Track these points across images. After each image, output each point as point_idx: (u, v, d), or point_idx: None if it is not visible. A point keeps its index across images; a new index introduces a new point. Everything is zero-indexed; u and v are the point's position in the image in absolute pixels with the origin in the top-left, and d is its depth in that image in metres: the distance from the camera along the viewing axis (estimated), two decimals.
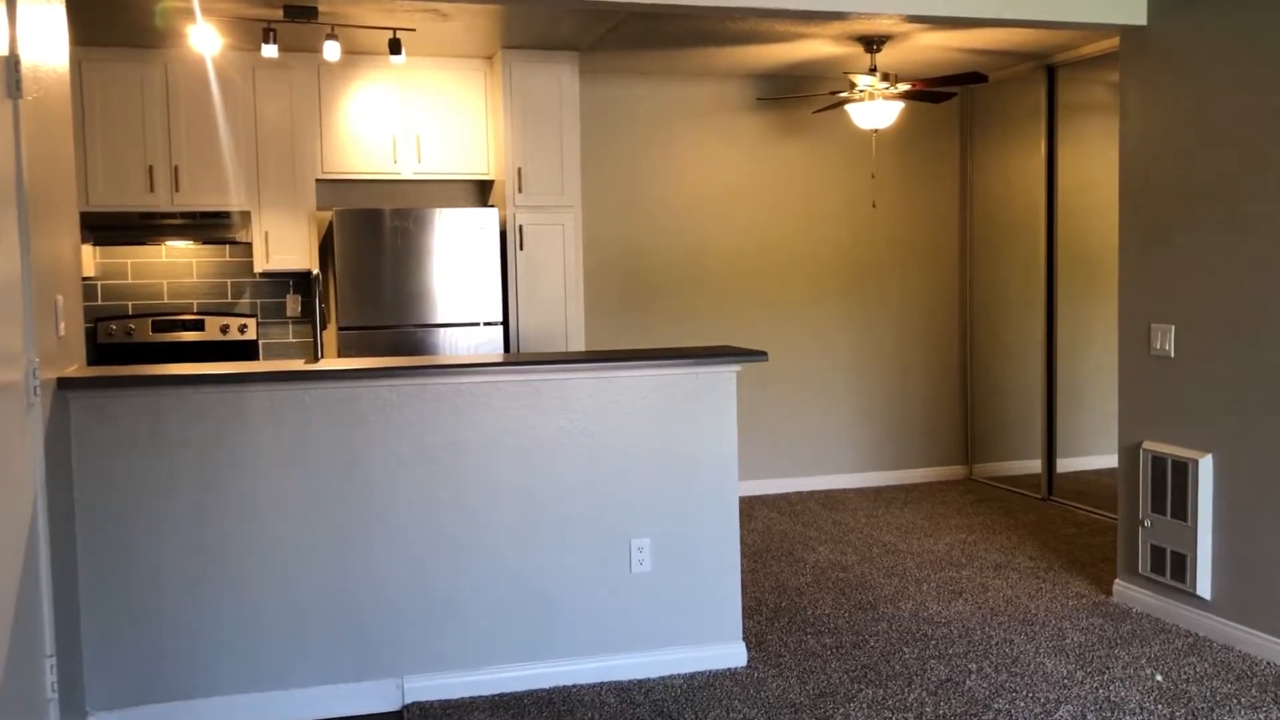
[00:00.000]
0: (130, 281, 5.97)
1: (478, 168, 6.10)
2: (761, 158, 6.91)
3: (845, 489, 7.10)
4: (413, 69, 5.94)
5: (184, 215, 5.72)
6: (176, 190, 5.69)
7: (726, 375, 3.95)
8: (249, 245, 5.99)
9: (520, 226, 5.91)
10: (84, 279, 5.86)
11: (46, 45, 3.32)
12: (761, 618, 4.54)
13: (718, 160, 6.84)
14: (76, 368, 3.55)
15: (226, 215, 5.78)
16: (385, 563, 3.68)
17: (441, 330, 5.70)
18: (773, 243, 6.97)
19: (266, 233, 5.83)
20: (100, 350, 5.85)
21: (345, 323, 5.59)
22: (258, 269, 5.85)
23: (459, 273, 5.72)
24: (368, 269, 5.59)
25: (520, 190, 5.90)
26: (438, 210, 5.68)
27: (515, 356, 3.87)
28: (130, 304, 5.97)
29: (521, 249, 5.92)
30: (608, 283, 6.67)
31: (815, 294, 7.07)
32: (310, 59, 5.79)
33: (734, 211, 6.89)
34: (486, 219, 5.76)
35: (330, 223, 5.69)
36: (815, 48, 5.94)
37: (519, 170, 5.89)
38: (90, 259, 5.84)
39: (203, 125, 5.70)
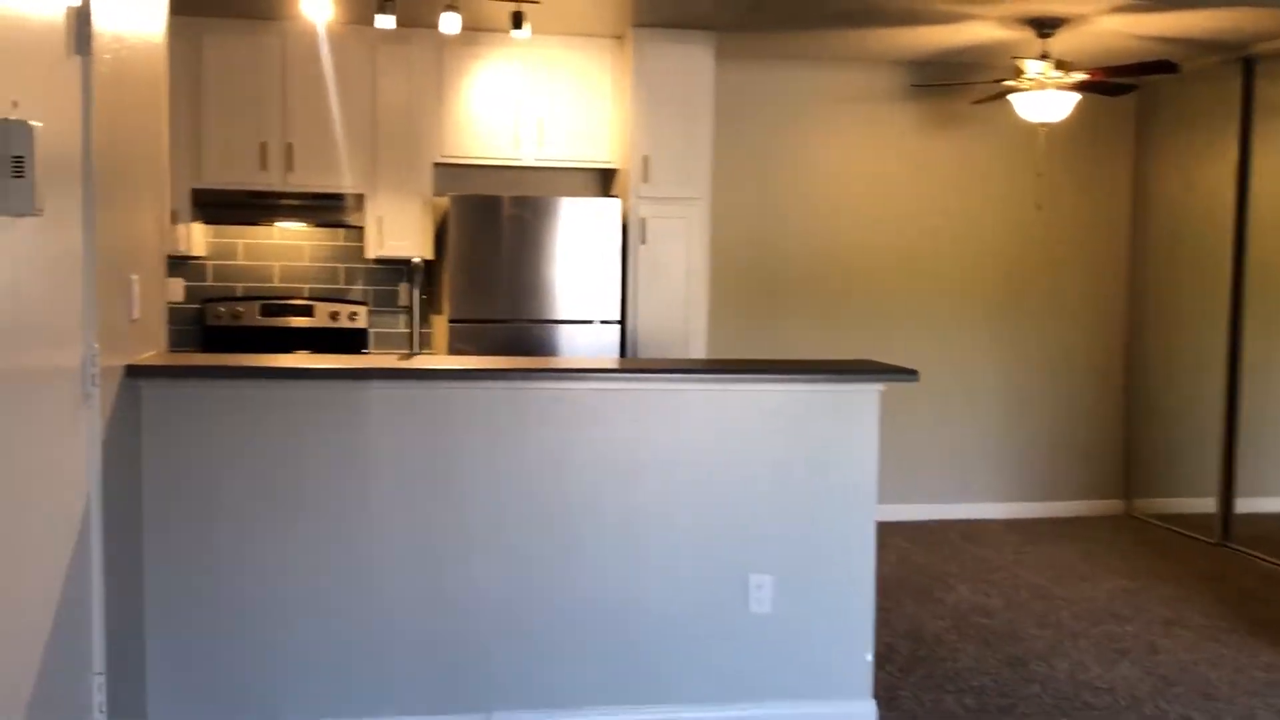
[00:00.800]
0: (241, 262, 5.77)
1: (601, 155, 5.71)
2: (910, 152, 6.34)
3: (988, 519, 6.48)
4: (537, 48, 5.58)
5: (296, 196, 5.48)
6: (290, 170, 5.45)
7: (868, 395, 3.45)
8: (362, 230, 5.72)
9: (643, 219, 5.49)
10: (193, 259, 5.68)
11: (135, 4, 3.03)
12: (894, 668, 4.02)
13: (861, 153, 6.30)
14: (154, 354, 3.27)
15: (340, 197, 5.52)
16: (475, 586, 3.31)
17: (556, 327, 5.32)
18: (918, 245, 6.39)
19: (380, 217, 5.55)
20: (207, 333, 5.66)
21: (456, 315, 5.26)
22: (370, 255, 5.58)
23: (577, 267, 5.34)
24: (482, 259, 5.26)
25: (645, 180, 5.48)
26: (558, 199, 5.31)
27: (626, 362, 3.45)
28: (240, 286, 5.77)
29: (643, 243, 5.50)
30: (733, 283, 6.21)
31: (963, 302, 6.47)
32: (431, 36, 5.48)
33: (877, 210, 6.34)
34: (608, 210, 5.35)
35: (446, 209, 5.37)
36: (978, 31, 5.35)
37: (645, 159, 5.47)
38: (201, 238, 5.66)
39: (318, 102, 5.45)
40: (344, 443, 3.21)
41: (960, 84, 5.95)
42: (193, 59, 5.31)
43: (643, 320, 5.52)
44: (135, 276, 3.04)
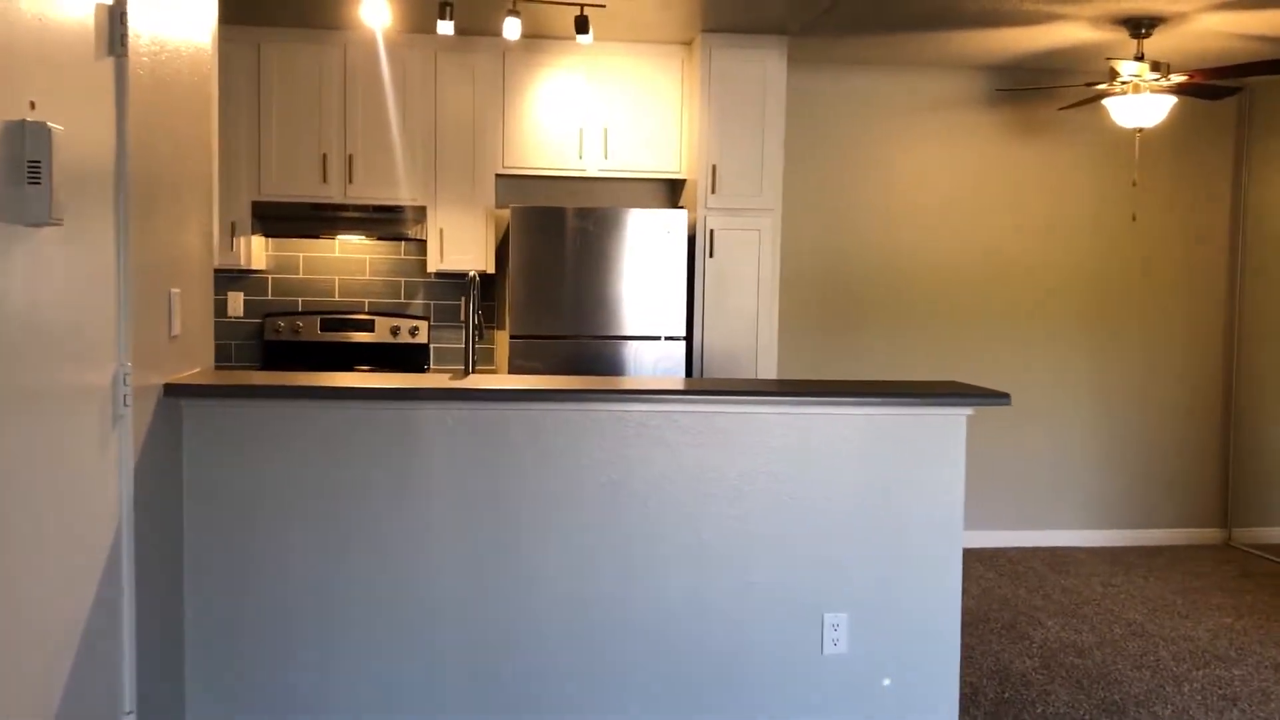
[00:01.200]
0: (302, 276, 5.66)
1: (668, 165, 5.51)
2: (993, 160, 6.04)
3: (1076, 547, 6.12)
4: (602, 55, 5.40)
5: (356, 208, 5.36)
6: (350, 181, 5.33)
7: (954, 420, 3.18)
8: (423, 243, 5.59)
9: (711, 231, 5.27)
10: (253, 272, 5.59)
11: (180, 6, 2.90)
12: (979, 712, 3.73)
13: (941, 162, 6.02)
14: (198, 371, 3.13)
15: (400, 210, 5.39)
16: (530, 617, 3.11)
17: (620, 343, 5.12)
18: (1003, 259, 6.08)
19: (441, 230, 5.40)
20: (267, 348, 5.56)
21: (517, 331, 5.09)
22: (431, 268, 5.43)
23: (642, 281, 5.13)
24: (544, 273, 5.08)
25: (713, 191, 5.26)
26: (622, 210, 5.11)
27: (692, 383, 3.23)
28: (300, 299, 5.67)
29: (711, 256, 5.28)
30: (806, 299, 5.96)
31: (1050, 319, 6.14)
32: (493, 44, 5.33)
33: (958, 221, 6.04)
34: (674, 221, 5.14)
35: (508, 222, 5.20)
36: (1068, 32, 5.05)
37: (713, 168, 5.25)
38: (261, 251, 5.56)
39: (379, 113, 5.33)
40: (394, 466, 3.04)
41: (1049, 88, 5.64)
42: (252, 68, 5.23)
43: (710, 337, 5.30)
44: (176, 290, 2.90)
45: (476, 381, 3.12)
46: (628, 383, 3.19)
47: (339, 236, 5.47)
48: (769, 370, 5.32)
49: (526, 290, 5.07)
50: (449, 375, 3.25)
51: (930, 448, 3.18)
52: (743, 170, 5.27)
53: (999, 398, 3.13)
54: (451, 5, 4.39)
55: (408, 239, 5.62)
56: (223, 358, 5.59)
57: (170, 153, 2.85)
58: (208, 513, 3.00)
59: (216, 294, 5.57)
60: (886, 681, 3.20)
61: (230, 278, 5.59)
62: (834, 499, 3.16)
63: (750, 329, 5.32)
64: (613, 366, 5.11)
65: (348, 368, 5.54)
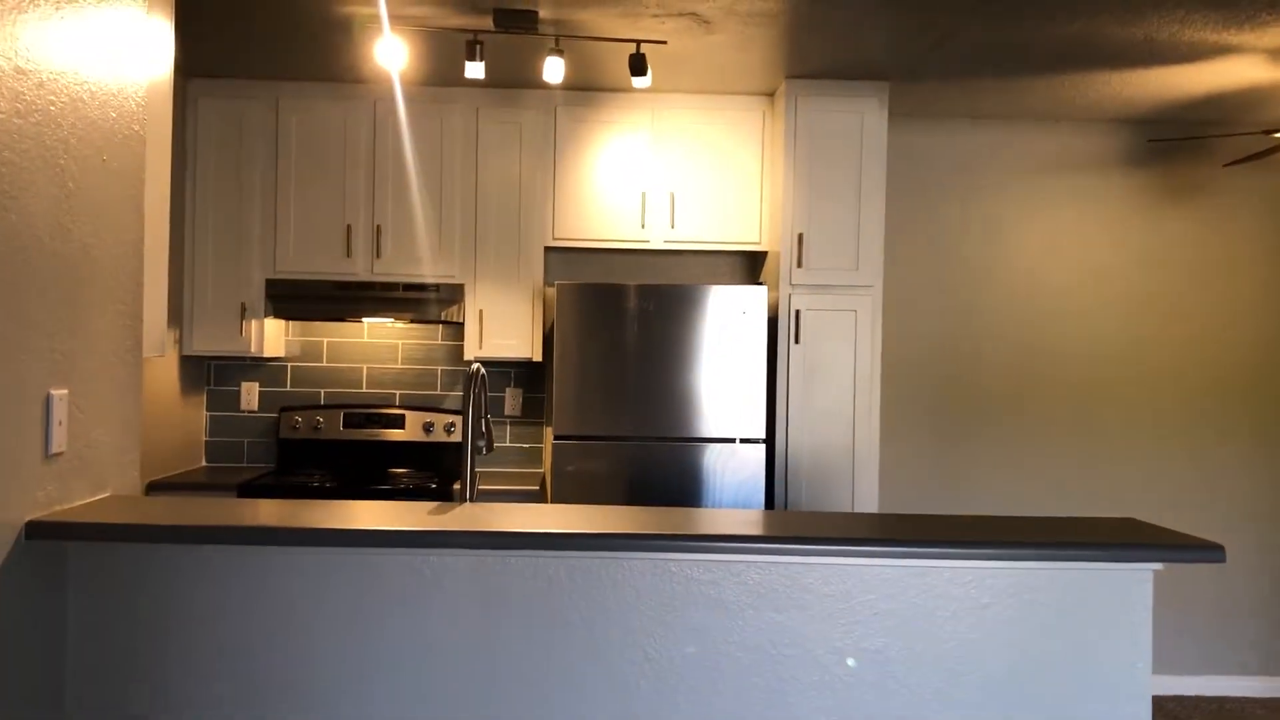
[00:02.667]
0: (325, 364, 4.95)
1: (746, 235, 4.69)
2: (1139, 230, 5.08)
3: (1246, 697, 5.00)
4: (669, 108, 4.64)
5: (384, 286, 4.64)
6: (378, 256, 4.62)
7: (1136, 579, 2.24)
8: (461, 326, 4.84)
9: (796, 312, 4.41)
10: (271, 360, 4.89)
11: (91, 43, 2.20)
12: None
13: (1075, 233, 5.08)
14: (103, 498, 2.36)
15: (435, 288, 4.65)
16: None
17: (688, 447, 4.26)
18: (1152, 351, 5.09)
19: (481, 311, 4.64)
20: (283, 447, 4.83)
21: (564, 430, 4.27)
22: (469, 355, 4.67)
23: (714, 371, 4.28)
24: (596, 361, 4.26)
25: (799, 264, 4.41)
26: (690, 288, 4.29)
27: (774, 521, 2.33)
28: (323, 391, 4.94)
29: (797, 342, 4.41)
30: (912, 395, 5.03)
31: (1214, 426, 5.10)
32: (543, 99, 4.61)
33: (1096, 305, 5.08)
34: (751, 300, 4.29)
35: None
36: (1237, 70, 4.13)
37: (799, 237, 4.41)
38: (279, 336, 4.87)
39: (412, 177, 4.63)
40: (350, 631, 2.21)
41: (1215, 136, 4.70)
42: (268, 127, 4.58)
43: (797, 440, 4.40)
44: (60, 393, 2.14)
45: (466, 519, 2.29)
46: (674, 519, 2.31)
47: (365, 319, 4.75)
48: (869, 485, 4.39)
49: (575, 381, 4.26)
50: (429, 512, 2.43)
51: (1101, 617, 2.24)
52: (836, 240, 4.42)
53: (1207, 551, 2.18)
54: (481, 44, 3.67)
55: (444, 322, 4.87)
56: (233, 458, 4.88)
57: (49, 215, 2.11)
58: (99, 694, 2.20)
59: (228, 384, 4.88)
60: None
61: (243, 367, 4.90)
62: (964, 689, 2.23)
63: (845, 431, 4.41)
64: (679, 474, 4.24)
65: (374, 470, 4.78)
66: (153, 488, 4.28)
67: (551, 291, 4.75)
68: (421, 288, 4.65)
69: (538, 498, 4.41)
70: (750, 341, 4.28)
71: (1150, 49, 3.93)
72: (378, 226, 4.62)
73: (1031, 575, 2.24)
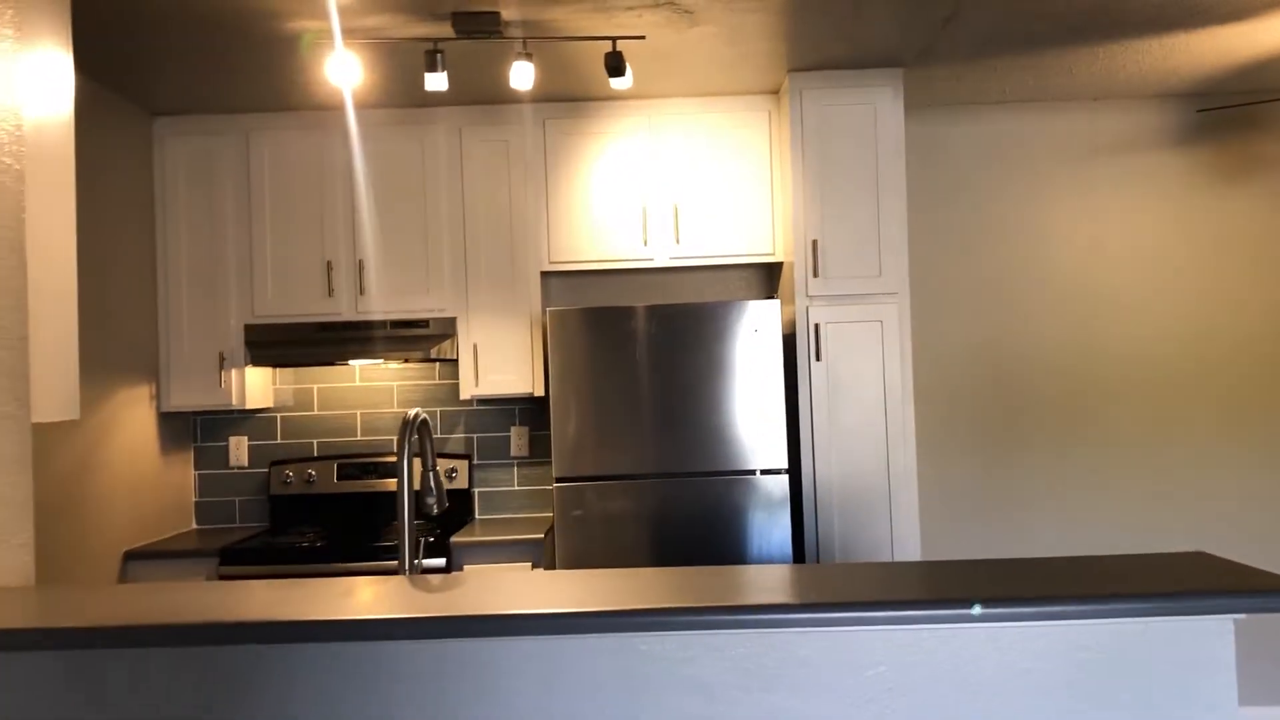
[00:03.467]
0: (317, 413, 4.62)
1: (759, 247, 4.29)
2: (1192, 215, 4.60)
3: None
4: (666, 114, 4.28)
5: (371, 325, 4.31)
6: (361, 293, 4.30)
7: (1211, 630, 1.80)
8: (457, 363, 4.50)
9: (815, 326, 4.00)
10: (258, 411, 4.58)
11: None
12: None
13: (1119, 223, 4.61)
14: None
15: (424, 323, 4.31)
16: None
17: (704, 482, 3.85)
18: (1213, 346, 4.59)
19: (475, 346, 4.29)
20: (275, 504, 4.51)
21: (565, 471, 3.89)
22: (465, 394, 4.31)
23: (726, 396, 3.87)
24: (595, 393, 3.88)
25: (815, 274, 4.01)
26: (692, 305, 3.90)
27: (807, 574, 1.92)
28: (316, 442, 4.62)
29: (818, 359, 4.00)
30: (950, 412, 4.58)
31: None
32: (531, 114, 4.27)
33: (1147, 298, 4.60)
34: (763, 316, 3.89)
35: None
36: None
37: (813, 244, 4.01)
38: (266, 386, 4.56)
39: (394, 206, 4.31)
40: None
41: (1271, 101, 4.22)
42: (240, 163, 4.29)
43: (825, 469, 3.98)
44: None
45: (399, 599, 1.91)
46: (644, 591, 1.91)
47: (353, 362, 4.42)
48: (908, 514, 3.95)
49: (574, 417, 3.88)
50: (362, 587, 2.05)
51: (1171, 679, 1.80)
52: (854, 246, 4.01)
53: None
54: (441, 53, 3.33)
55: (437, 360, 4.53)
56: (225, 518, 4.57)
57: None
58: None
59: (216, 440, 4.57)
60: None
61: (230, 420, 4.59)
62: None
63: (878, 454, 3.99)
64: (696, 514, 3.83)
65: (371, 523, 4.43)
66: (131, 556, 3.97)
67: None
68: (410, 324, 4.31)
69: (538, 548, 4.03)
70: (765, 362, 3.88)
71: (1193, 7, 3.48)
72: (360, 261, 4.30)
73: (1084, 632, 1.81)
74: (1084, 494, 4.53)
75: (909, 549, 3.97)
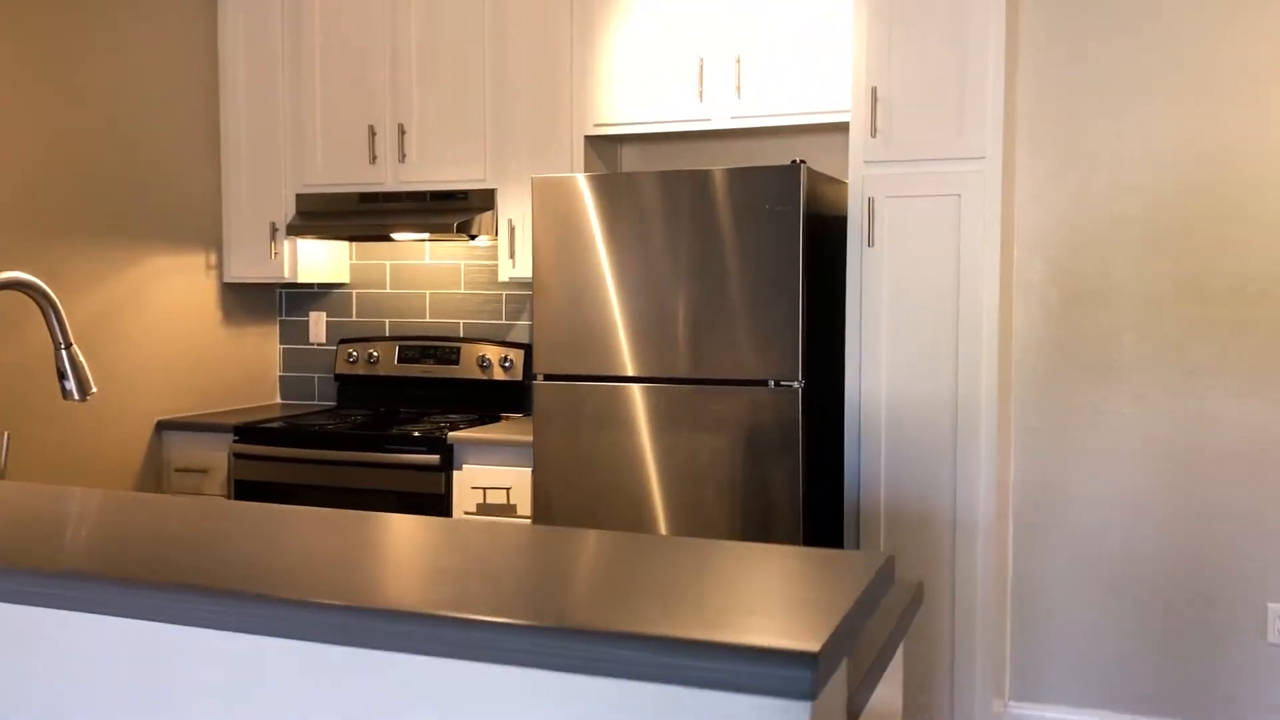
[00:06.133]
0: (389, 291, 4.37)
1: (838, 102, 3.38)
2: None
3: None
4: None
5: (411, 196, 3.95)
6: (401, 160, 3.93)
7: None
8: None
9: (869, 201, 3.08)
10: (335, 287, 4.40)
11: None
12: None
13: None
14: None
15: (462, 195, 3.88)
16: None
17: (697, 391, 3.13)
18: None
19: (511, 223, 3.80)
20: (341, 383, 4.34)
21: (547, 367, 3.33)
22: (502, 276, 3.85)
23: (733, 287, 3.09)
24: (577, 280, 3.26)
25: (874, 132, 3.08)
26: (696, 173, 3.12)
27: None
28: (388, 321, 4.37)
29: (870, 244, 3.09)
30: (1045, 313, 3.40)
31: None
32: None
33: None
34: (781, 184, 3.02)
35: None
36: None
37: (871, 93, 3.07)
38: (345, 261, 4.36)
39: (434, 62, 3.88)
40: None
41: None
42: (293, 20, 4.04)
43: (871, 384, 3.10)
44: None
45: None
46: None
47: (395, 236, 4.07)
48: (979, 453, 2.99)
49: (557, 308, 3.28)
50: None
51: None
52: (928, 94, 3.03)
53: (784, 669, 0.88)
54: None
55: (475, 237, 4.08)
56: (306, 394, 4.48)
57: None
58: None
59: (298, 314, 4.46)
60: None
61: (310, 295, 4.46)
62: None
63: (942, 374, 3.04)
64: (689, 425, 3.13)
65: (425, 412, 4.14)
66: (162, 426, 3.96)
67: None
68: (449, 196, 3.89)
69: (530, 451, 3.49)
70: (780, 244, 3.04)
71: None
72: (400, 125, 3.92)
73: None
74: (1254, 416, 3.22)
75: (976, 499, 3.02)
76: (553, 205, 3.26)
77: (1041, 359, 3.36)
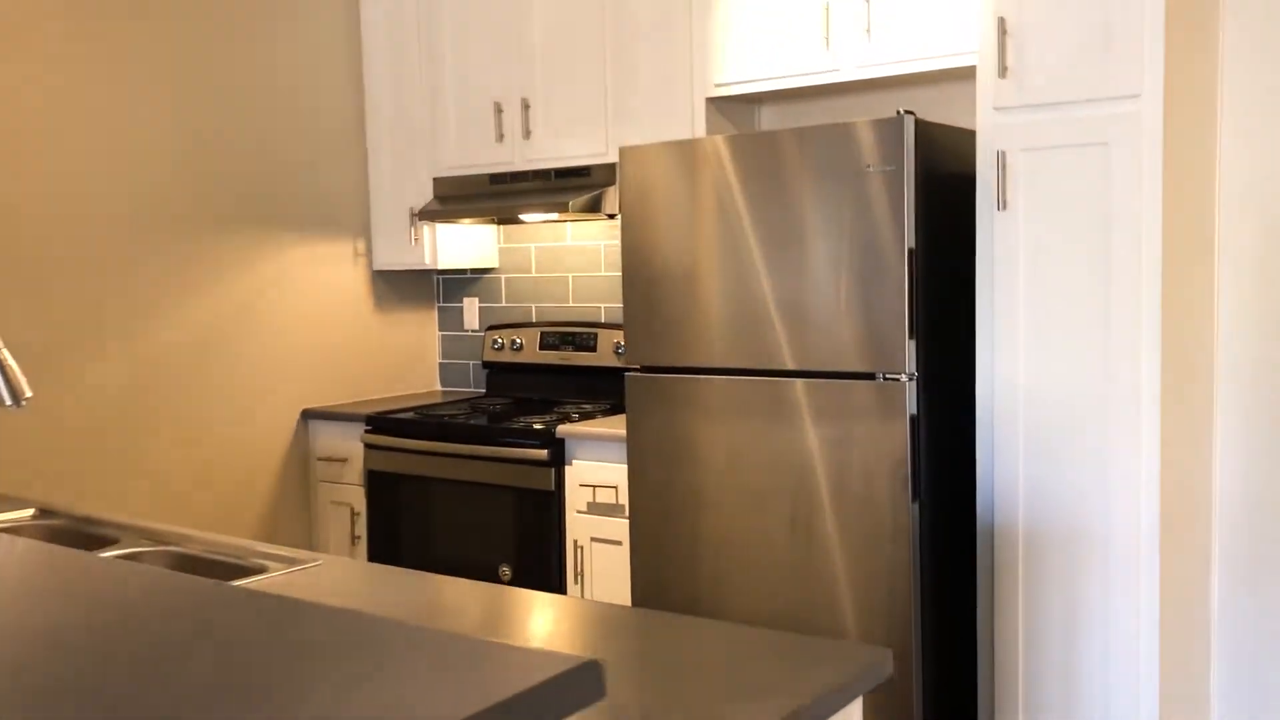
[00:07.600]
0: (535, 275, 4.20)
1: (973, 45, 2.85)
2: None
3: None
4: None
5: (536, 175, 3.74)
6: (526, 137, 3.74)
7: None
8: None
9: (1000, 155, 2.55)
10: (486, 271, 4.29)
11: None
12: None
13: None
14: None
15: (586, 171, 3.63)
16: None
17: (790, 384, 2.72)
18: None
19: None
20: (489, 370, 4.23)
21: (637, 358, 3.02)
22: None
23: (834, 266, 2.65)
24: (664, 263, 2.92)
25: (1003, 73, 2.54)
26: (775, 134, 2.69)
27: None
28: (534, 306, 4.21)
29: (1003, 207, 2.56)
30: (1263, 284, 2.67)
31: None
32: None
33: None
34: (880, 139, 2.54)
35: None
36: None
37: (999, 24, 2.54)
38: (494, 245, 4.24)
39: (559, 27, 3.64)
40: None
41: None
42: (426, 3, 3.94)
43: (1007, 374, 2.58)
44: None
45: None
46: None
47: (523, 217, 3.86)
48: (1136, 451, 2.42)
49: (644, 295, 2.96)
50: None
51: None
52: (1069, 23, 2.46)
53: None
54: None
55: (598, 216, 3.81)
56: (461, 381, 4.41)
57: None
58: None
59: (454, 300, 4.40)
60: None
61: (465, 280, 4.37)
62: None
63: (1088, 360, 2.48)
64: (786, 427, 2.73)
65: (558, 401, 3.95)
66: (307, 415, 3.98)
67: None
68: (573, 173, 3.65)
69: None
70: (882, 212, 2.57)
71: None
72: (524, 100, 3.72)
73: None
74: None
75: (1122, 504, 2.44)
76: (637, 178, 2.95)
77: (1254, 342, 2.69)
